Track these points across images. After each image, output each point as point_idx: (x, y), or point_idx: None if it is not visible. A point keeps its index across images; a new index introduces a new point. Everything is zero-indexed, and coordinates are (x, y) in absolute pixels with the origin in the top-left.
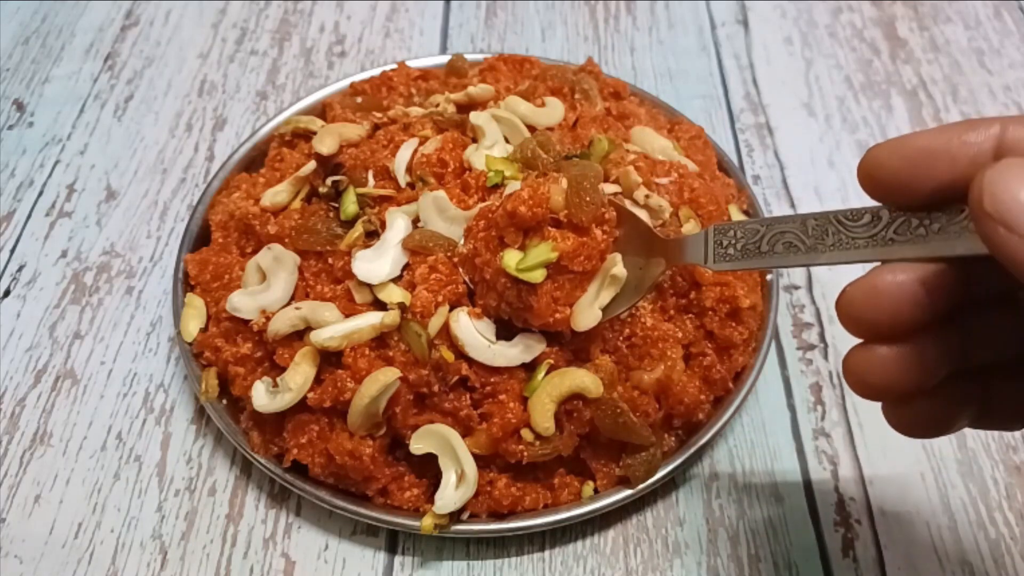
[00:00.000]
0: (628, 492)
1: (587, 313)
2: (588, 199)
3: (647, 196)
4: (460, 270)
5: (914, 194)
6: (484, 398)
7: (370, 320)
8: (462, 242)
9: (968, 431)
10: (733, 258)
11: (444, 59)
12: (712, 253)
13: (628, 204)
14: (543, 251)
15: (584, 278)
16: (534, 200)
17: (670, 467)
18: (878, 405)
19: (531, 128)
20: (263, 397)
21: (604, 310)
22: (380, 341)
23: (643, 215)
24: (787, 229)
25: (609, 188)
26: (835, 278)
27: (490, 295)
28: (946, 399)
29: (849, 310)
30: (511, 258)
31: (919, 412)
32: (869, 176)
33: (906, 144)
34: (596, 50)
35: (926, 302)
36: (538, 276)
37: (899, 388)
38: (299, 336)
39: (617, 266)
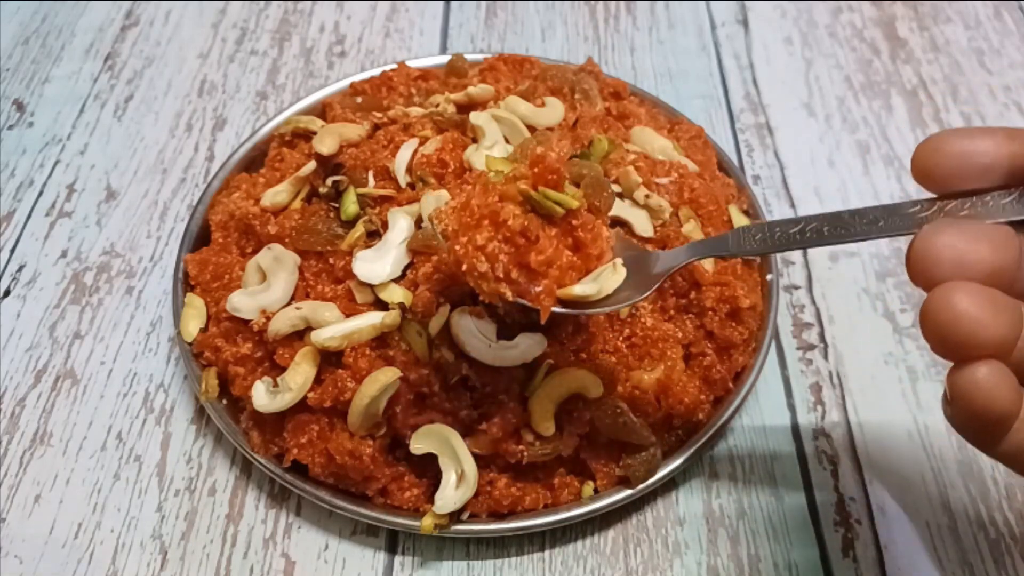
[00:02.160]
0: (628, 492)
1: (585, 284)
2: (605, 193)
3: (647, 196)
4: (432, 223)
5: (968, 184)
6: (484, 398)
7: (370, 320)
8: (447, 202)
9: None
10: (768, 247)
11: (444, 59)
12: (740, 243)
13: (628, 204)
14: (564, 195)
15: (578, 270)
16: (560, 157)
17: (670, 467)
18: (878, 405)
19: (531, 128)
20: (263, 397)
21: (600, 302)
22: (380, 341)
23: (643, 215)
24: (828, 222)
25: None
26: (835, 278)
27: (481, 231)
28: None
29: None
30: (526, 187)
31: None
32: (925, 170)
33: (958, 140)
34: (596, 50)
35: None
36: (558, 208)
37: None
38: (299, 336)
39: (618, 263)
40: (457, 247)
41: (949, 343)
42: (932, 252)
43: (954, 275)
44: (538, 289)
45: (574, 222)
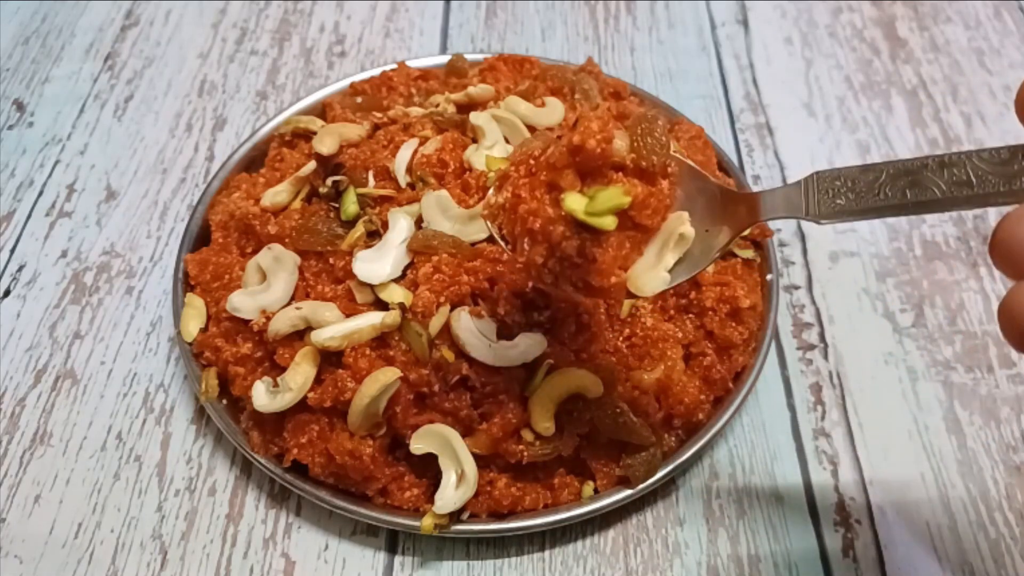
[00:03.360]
0: (628, 492)
1: (651, 276)
2: (660, 141)
3: None
4: (488, 225)
5: None
6: (484, 398)
7: (370, 320)
8: (491, 192)
9: (968, 431)
10: (845, 208)
11: (444, 59)
12: (817, 204)
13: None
14: (614, 194)
15: (643, 239)
16: (605, 135)
17: (670, 467)
18: (878, 405)
19: (531, 128)
20: (263, 397)
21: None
22: (381, 341)
23: None
24: (912, 174)
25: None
26: (835, 278)
27: (537, 250)
28: None
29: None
30: (575, 202)
31: None
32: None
33: None
34: (596, 50)
35: None
36: (610, 223)
37: None
38: (299, 336)
39: (685, 224)
40: (520, 264)
41: None
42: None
43: None
44: (608, 289)
45: (630, 212)
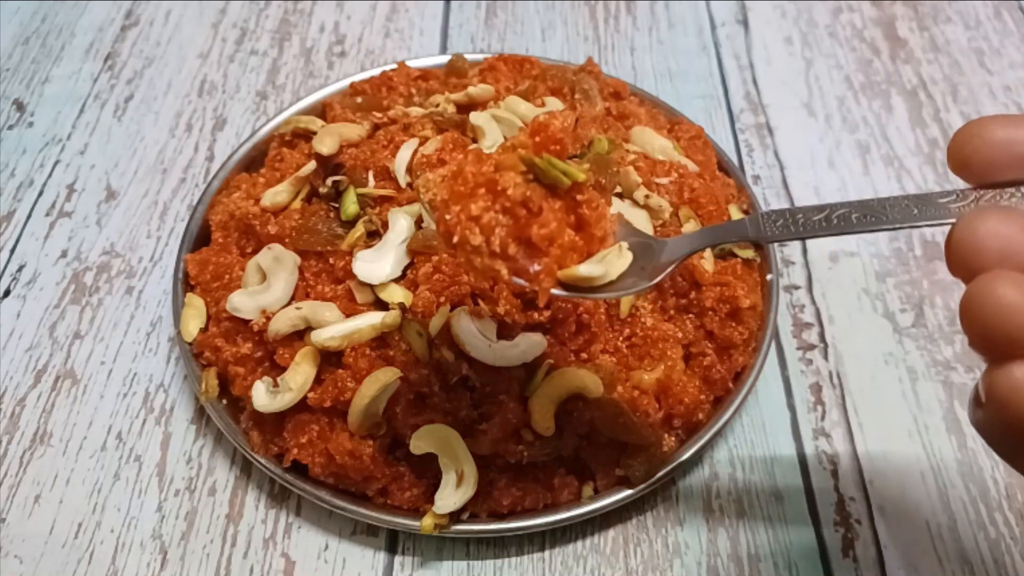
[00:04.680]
0: (628, 492)
1: (589, 265)
2: (611, 168)
3: (647, 196)
4: (419, 193)
5: (1008, 174)
6: (484, 398)
7: (370, 320)
8: (427, 176)
9: (968, 431)
10: (794, 233)
11: (444, 59)
12: (764, 229)
13: (628, 204)
14: (570, 166)
15: (580, 252)
16: (565, 124)
17: (670, 467)
18: (878, 405)
19: None
20: (263, 397)
21: (604, 287)
22: (381, 341)
23: (643, 215)
24: (857, 209)
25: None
26: (835, 278)
27: (477, 200)
28: None
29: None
30: (530, 154)
31: None
32: (962, 159)
33: (999, 128)
34: (596, 50)
35: None
36: (564, 178)
37: None
38: (299, 336)
39: (624, 248)
40: (448, 216)
41: (991, 338)
42: (975, 239)
43: (999, 264)
44: (537, 268)
45: (579, 197)
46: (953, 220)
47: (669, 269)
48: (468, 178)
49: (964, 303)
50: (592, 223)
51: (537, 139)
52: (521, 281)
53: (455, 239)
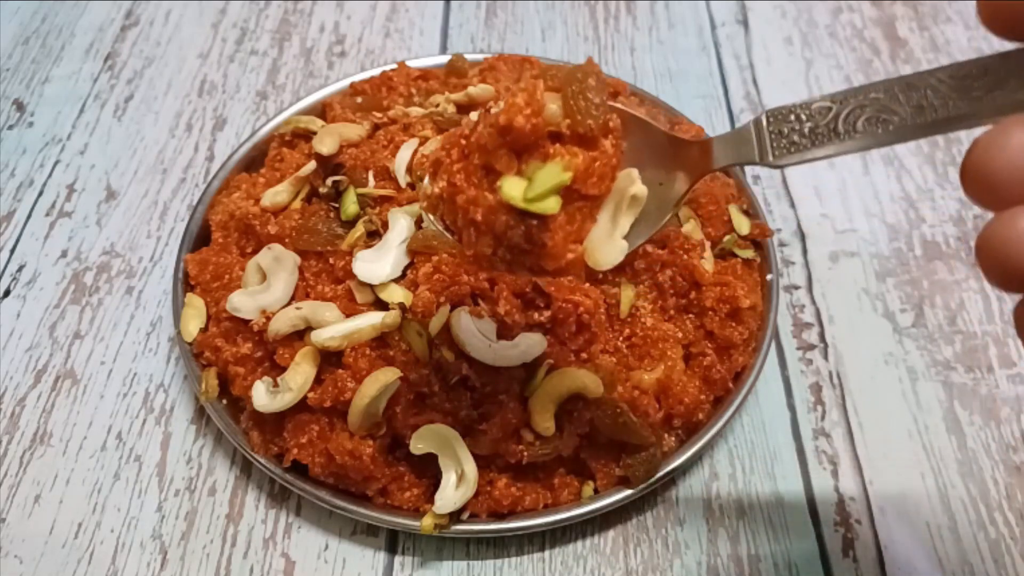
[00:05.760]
0: (628, 492)
1: (608, 247)
2: (593, 101)
3: None
4: (429, 217)
5: None
6: (484, 398)
7: (370, 320)
8: (426, 182)
9: (968, 431)
10: (801, 146)
11: (444, 59)
12: (770, 146)
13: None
14: (553, 173)
15: (594, 205)
16: (533, 108)
17: (670, 467)
18: (878, 405)
19: None
20: (263, 397)
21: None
22: (381, 341)
23: None
24: (869, 102)
25: None
26: (835, 278)
27: (483, 241)
28: None
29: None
30: (513, 187)
31: None
32: (982, 177)
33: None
34: (596, 50)
35: None
36: (553, 205)
37: None
38: (299, 336)
39: (635, 184)
40: (470, 254)
41: (1015, 278)
42: (998, 162)
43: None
44: (564, 268)
45: (574, 184)
46: (981, 121)
47: (683, 196)
48: (466, 209)
49: (982, 241)
50: (595, 190)
51: (508, 138)
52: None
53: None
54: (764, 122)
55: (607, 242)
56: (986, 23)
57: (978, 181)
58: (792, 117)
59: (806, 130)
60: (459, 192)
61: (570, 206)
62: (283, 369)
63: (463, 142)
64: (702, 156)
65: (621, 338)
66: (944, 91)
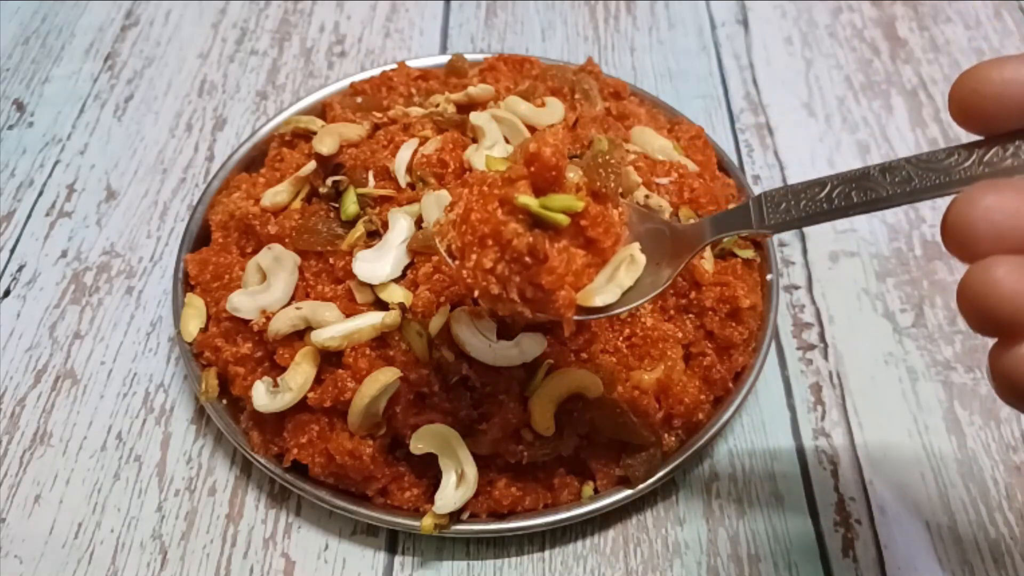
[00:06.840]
0: (628, 492)
1: (603, 289)
2: (611, 169)
3: (647, 196)
4: (436, 243)
5: (1013, 123)
6: (484, 398)
7: (370, 320)
8: (444, 214)
9: (968, 431)
10: (793, 216)
11: (444, 59)
12: (765, 215)
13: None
14: (568, 198)
15: (595, 262)
16: (559, 146)
17: (670, 467)
18: (878, 405)
19: (531, 128)
20: (263, 397)
21: (621, 300)
22: (381, 341)
23: None
24: (857, 181)
25: None
26: (835, 278)
27: (486, 253)
28: None
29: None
30: (528, 199)
31: None
32: (964, 108)
33: (1002, 69)
34: (596, 50)
35: None
36: (563, 218)
37: None
38: (299, 336)
39: (635, 250)
40: (465, 273)
41: (989, 324)
42: (971, 221)
43: (996, 248)
44: (557, 303)
45: (582, 222)
46: (954, 190)
47: (681, 267)
48: (475, 226)
49: (961, 289)
50: (601, 238)
51: (532, 169)
52: (544, 316)
53: (477, 292)
54: (762, 201)
55: (603, 287)
56: (955, 118)
57: (955, 237)
58: (786, 196)
59: (799, 204)
60: (473, 212)
61: (574, 243)
62: (283, 369)
63: (486, 181)
64: (695, 234)
65: (621, 338)
66: (922, 168)
